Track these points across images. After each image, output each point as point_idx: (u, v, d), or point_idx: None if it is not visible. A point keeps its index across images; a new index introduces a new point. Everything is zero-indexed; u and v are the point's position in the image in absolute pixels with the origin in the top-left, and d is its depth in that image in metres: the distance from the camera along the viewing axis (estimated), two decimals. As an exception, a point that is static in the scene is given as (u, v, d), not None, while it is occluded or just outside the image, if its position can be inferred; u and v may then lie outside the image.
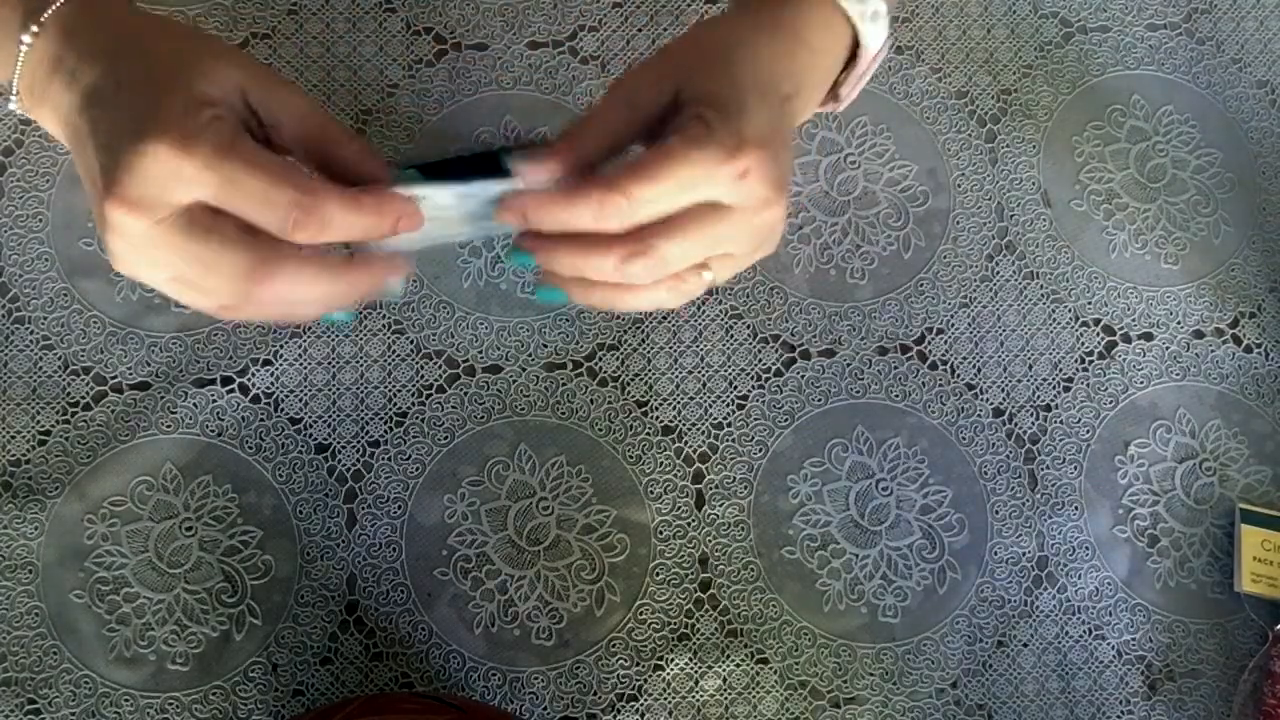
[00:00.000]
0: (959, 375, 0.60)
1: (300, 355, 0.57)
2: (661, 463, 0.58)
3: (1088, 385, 0.61)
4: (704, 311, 0.59)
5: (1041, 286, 0.62)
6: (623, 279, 0.39)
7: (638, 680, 0.56)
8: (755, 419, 0.59)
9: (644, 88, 0.41)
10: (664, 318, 0.59)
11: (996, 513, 0.59)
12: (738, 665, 0.56)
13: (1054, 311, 0.62)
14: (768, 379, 0.59)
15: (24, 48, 0.39)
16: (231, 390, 0.56)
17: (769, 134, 0.39)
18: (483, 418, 0.57)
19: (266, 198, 0.36)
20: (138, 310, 0.56)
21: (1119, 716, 0.58)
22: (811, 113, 0.46)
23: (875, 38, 0.45)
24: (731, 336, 0.59)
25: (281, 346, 0.56)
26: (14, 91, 0.40)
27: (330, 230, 0.37)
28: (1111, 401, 0.61)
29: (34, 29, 0.38)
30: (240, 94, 0.38)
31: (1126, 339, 0.62)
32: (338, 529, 0.55)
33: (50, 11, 0.39)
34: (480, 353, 0.58)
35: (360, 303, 0.41)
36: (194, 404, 0.55)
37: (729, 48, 0.41)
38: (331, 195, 0.37)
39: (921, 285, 0.61)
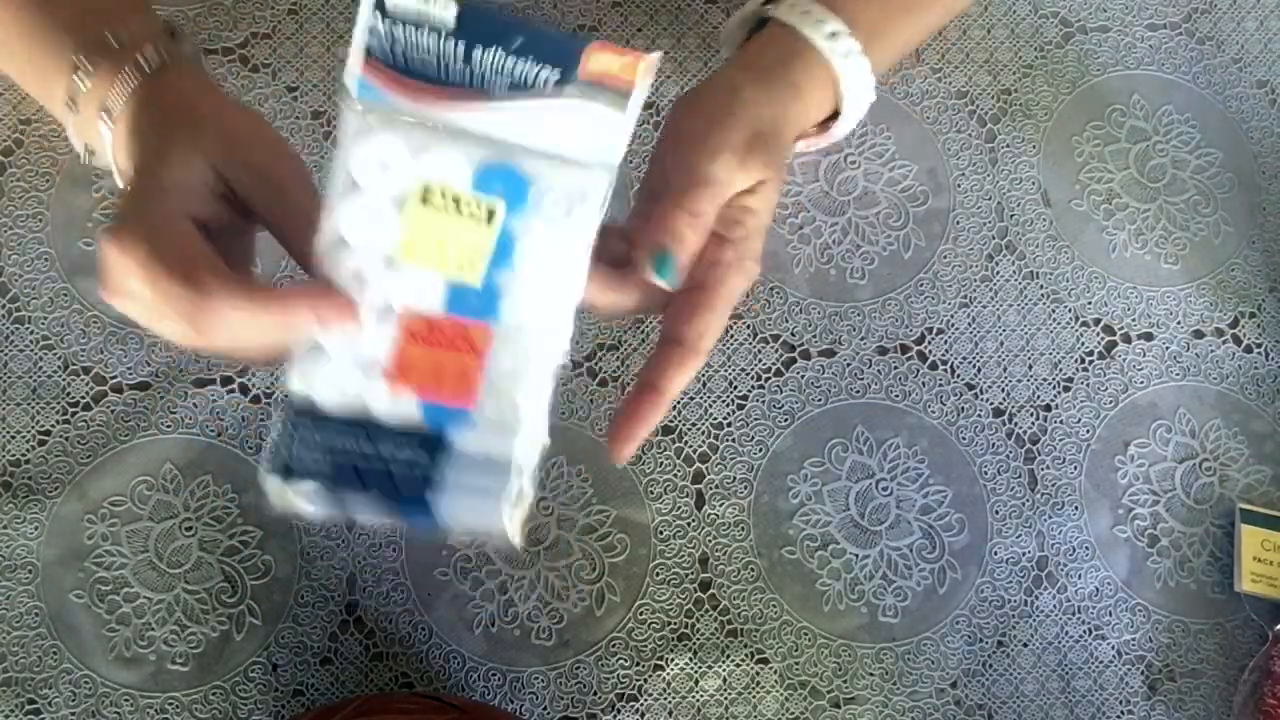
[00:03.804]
0: (959, 375, 0.60)
1: (300, 355, 0.56)
2: (661, 463, 0.58)
3: (1088, 385, 0.61)
4: (704, 311, 0.60)
5: (1041, 286, 0.62)
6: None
7: (638, 680, 0.56)
8: (755, 419, 0.59)
9: (730, 184, 0.45)
10: (663, 318, 0.59)
11: (996, 513, 0.59)
12: (738, 665, 0.56)
13: (1054, 311, 0.62)
14: (768, 379, 0.59)
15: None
16: (231, 390, 0.56)
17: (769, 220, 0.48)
18: (483, 418, 0.57)
19: (164, 308, 0.39)
20: (138, 310, 0.56)
21: (1119, 716, 0.58)
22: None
23: (855, 110, 0.52)
24: (731, 336, 0.59)
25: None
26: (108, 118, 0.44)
27: (232, 333, 0.39)
28: (1111, 401, 0.61)
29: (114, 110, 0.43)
30: (211, 171, 0.41)
31: (1126, 339, 0.62)
32: (338, 529, 0.55)
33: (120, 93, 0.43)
34: (480, 353, 0.58)
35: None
36: (194, 404, 0.55)
37: (771, 123, 0.47)
38: (222, 298, 0.38)
39: (921, 285, 0.61)
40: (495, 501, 0.41)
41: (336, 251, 0.39)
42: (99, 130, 0.44)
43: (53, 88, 0.45)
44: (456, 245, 0.40)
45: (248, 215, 0.43)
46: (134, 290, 0.39)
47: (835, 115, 0.53)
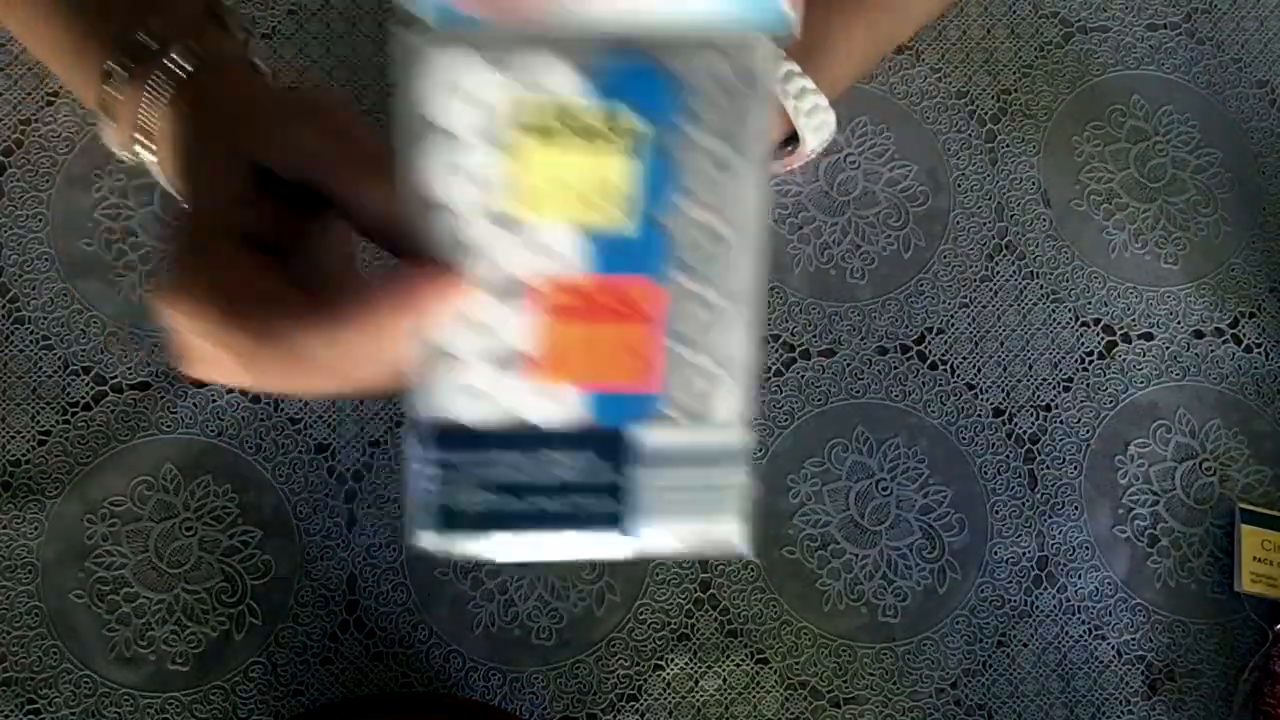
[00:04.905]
0: (959, 375, 0.60)
1: (300, 355, 0.56)
2: (661, 463, 0.58)
3: (1088, 385, 0.61)
4: (704, 311, 0.60)
5: (1041, 286, 0.62)
6: None
7: (638, 680, 0.56)
8: (755, 419, 0.59)
9: None
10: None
11: (996, 513, 0.59)
12: (738, 665, 0.56)
13: (1054, 311, 0.62)
14: (768, 379, 0.59)
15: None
16: (231, 390, 0.56)
17: None
18: (483, 418, 0.57)
19: (230, 352, 0.32)
20: (138, 310, 0.56)
21: (1119, 716, 0.58)
22: None
23: (814, 131, 0.53)
24: (731, 336, 0.59)
25: (281, 346, 0.56)
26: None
27: (318, 367, 0.32)
28: (1111, 401, 0.61)
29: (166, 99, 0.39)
30: (244, 167, 0.35)
31: (1126, 339, 0.62)
32: (338, 529, 0.55)
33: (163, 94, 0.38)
34: (480, 353, 0.58)
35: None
36: (194, 404, 0.55)
37: None
38: (270, 335, 0.31)
39: (921, 285, 0.61)
40: (711, 505, 0.34)
41: (426, 218, 0.31)
42: (139, 152, 0.40)
43: (90, 94, 0.41)
44: (584, 179, 0.31)
45: (310, 208, 0.35)
46: (208, 353, 0.33)
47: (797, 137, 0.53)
